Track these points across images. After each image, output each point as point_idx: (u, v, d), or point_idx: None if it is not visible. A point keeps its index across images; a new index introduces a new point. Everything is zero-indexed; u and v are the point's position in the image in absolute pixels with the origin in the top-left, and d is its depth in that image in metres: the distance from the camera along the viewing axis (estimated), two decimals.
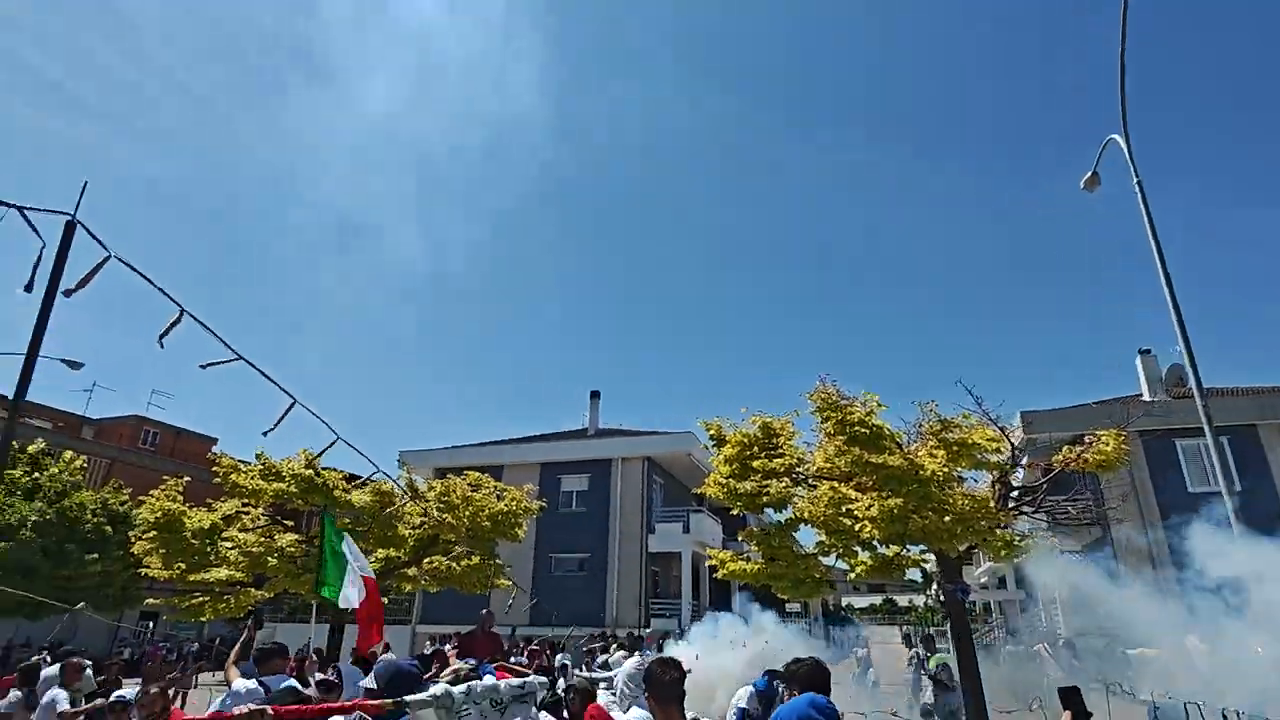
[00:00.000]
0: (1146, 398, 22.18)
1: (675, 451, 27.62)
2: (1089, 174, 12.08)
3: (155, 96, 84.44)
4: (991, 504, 9.29)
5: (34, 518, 14.35)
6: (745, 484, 10.83)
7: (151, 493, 12.44)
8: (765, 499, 10.56)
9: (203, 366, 5.14)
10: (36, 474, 15.61)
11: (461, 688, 2.99)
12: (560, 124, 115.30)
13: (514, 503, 14.50)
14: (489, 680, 3.33)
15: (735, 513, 11.90)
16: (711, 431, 11.98)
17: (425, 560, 14.31)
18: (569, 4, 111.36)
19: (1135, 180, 10.75)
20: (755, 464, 10.79)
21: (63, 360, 22.13)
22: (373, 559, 13.29)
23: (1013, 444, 9.05)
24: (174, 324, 4.29)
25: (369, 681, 3.37)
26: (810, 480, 10.86)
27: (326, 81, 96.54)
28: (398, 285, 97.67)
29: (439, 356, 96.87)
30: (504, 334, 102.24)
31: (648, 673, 2.88)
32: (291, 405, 5.79)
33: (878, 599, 65.04)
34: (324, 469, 13.47)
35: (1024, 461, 21.78)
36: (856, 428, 9.41)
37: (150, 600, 14.22)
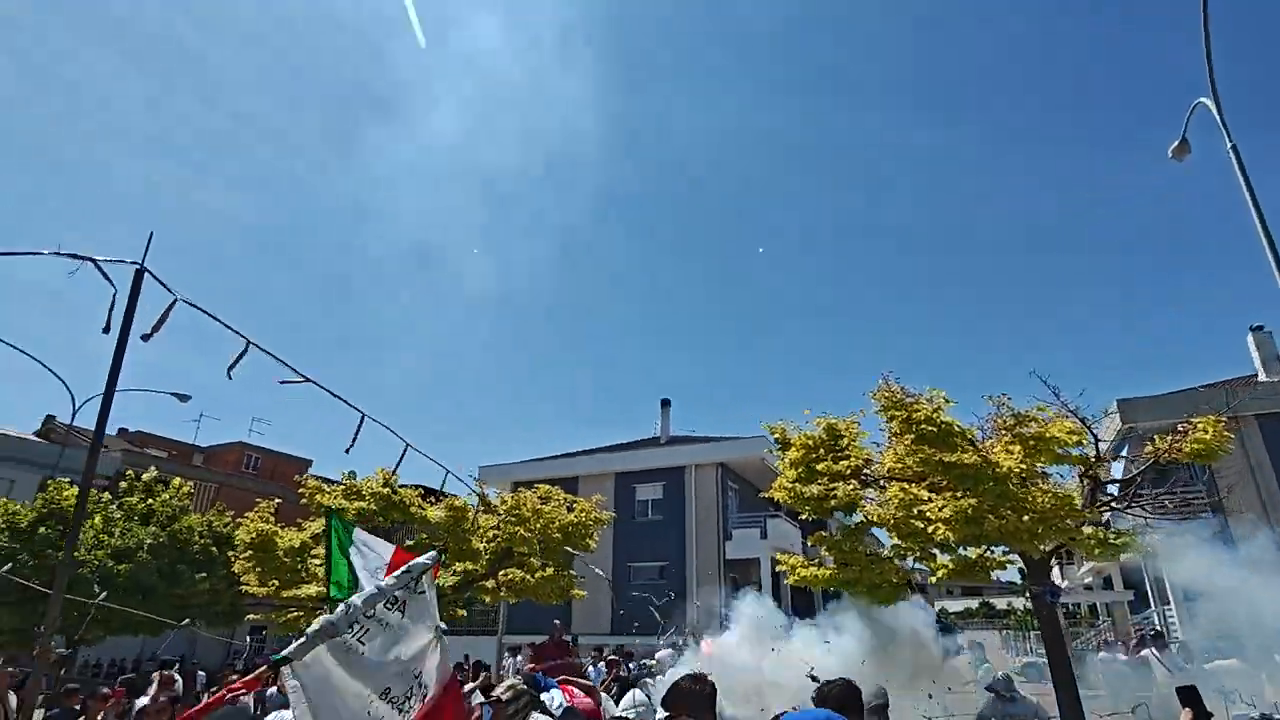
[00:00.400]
0: (1263, 378, 20.30)
1: (748, 456, 27.27)
2: (1177, 142, 11.28)
3: (249, 143, 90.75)
4: (1078, 500, 8.72)
5: (149, 541, 15.59)
6: (811, 487, 10.57)
7: (247, 515, 13.29)
8: (833, 502, 10.26)
9: (281, 382, 5.48)
10: (150, 500, 16.97)
11: (340, 608, 2.69)
12: (618, 137, 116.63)
13: (584, 514, 14.66)
14: (368, 589, 2.89)
15: (804, 517, 11.63)
16: (776, 435, 11.78)
17: (501, 573, 14.64)
18: (619, 19, 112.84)
19: (1229, 145, 9.94)
20: (820, 467, 10.51)
21: (173, 394, 23.99)
22: (451, 572, 13.73)
23: (1095, 436, 8.45)
24: (241, 355, 4.57)
25: None
26: (880, 482, 10.50)
27: (396, 116, 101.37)
28: (470, 305, 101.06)
29: (514, 372, 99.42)
30: (575, 347, 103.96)
31: (677, 688, 2.85)
32: (362, 419, 6.06)
33: (973, 602, 61.97)
34: (401, 486, 14.05)
35: (1124, 452, 20.33)
36: (924, 426, 9.03)
37: (251, 616, 15.17)
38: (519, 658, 15.42)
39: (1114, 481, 10.32)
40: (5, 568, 9.51)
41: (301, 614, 13.83)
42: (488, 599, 16.32)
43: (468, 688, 6.01)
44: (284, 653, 2.52)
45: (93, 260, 4.10)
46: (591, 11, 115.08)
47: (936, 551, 10.22)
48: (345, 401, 6.06)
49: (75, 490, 16.26)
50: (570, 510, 14.73)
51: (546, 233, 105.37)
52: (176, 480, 18.13)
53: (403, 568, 3.01)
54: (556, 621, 12.13)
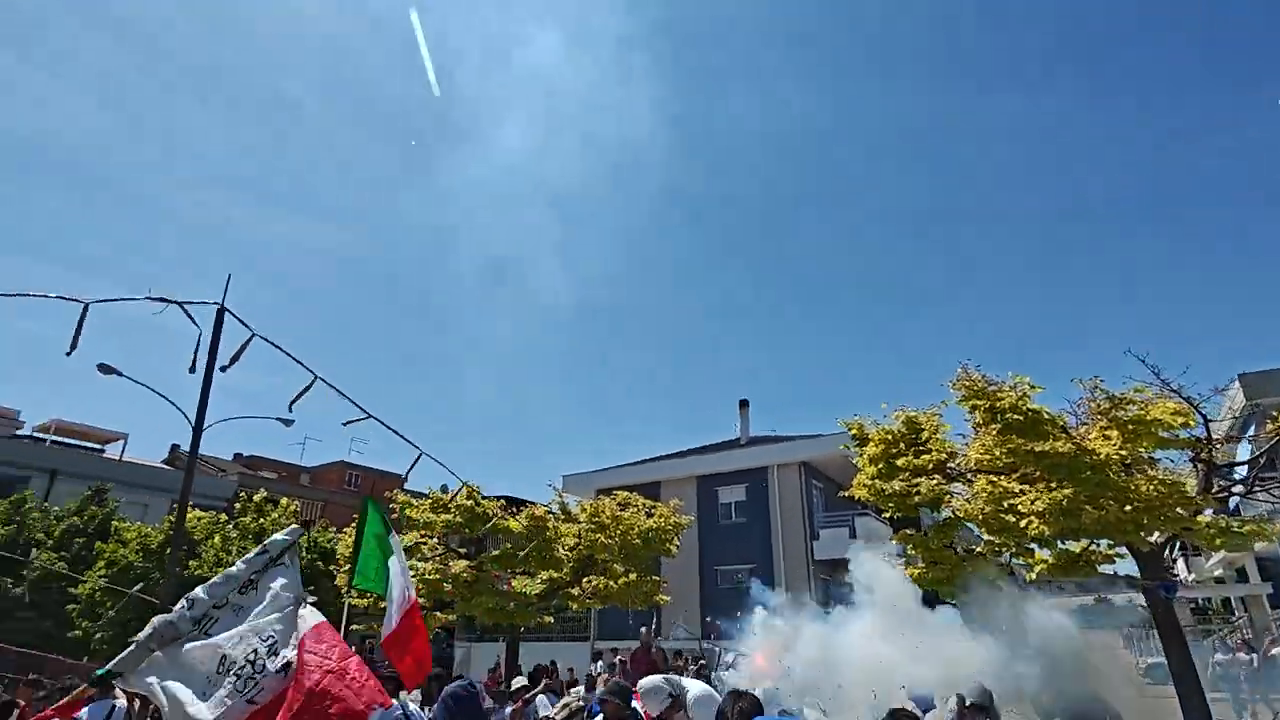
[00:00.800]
0: None
1: (831, 454, 26.53)
2: None
3: (329, 175, 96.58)
4: (1190, 487, 8.02)
5: None
6: (893, 483, 10.21)
7: (345, 530, 14.06)
8: (916, 498, 9.87)
9: (345, 424, 5.79)
10: (262, 519, 18.24)
11: (180, 605, 2.62)
12: (679, 139, 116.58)
13: (663, 519, 14.70)
14: (222, 579, 2.83)
15: (887, 515, 11.23)
16: (853, 431, 11.45)
17: (585, 579, 14.87)
18: (674, 26, 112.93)
19: None
20: (901, 462, 10.13)
21: (278, 419, 25.70)
22: (536, 580, 14.06)
23: (1205, 416, 7.75)
24: (306, 389, 4.87)
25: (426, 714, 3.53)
26: (966, 475, 10.01)
27: (466, 138, 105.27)
28: (547, 316, 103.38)
29: (593, 379, 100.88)
30: (649, 351, 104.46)
31: (721, 711, 2.80)
32: (419, 457, 6.34)
33: (1088, 598, 57.78)
34: (484, 498, 14.52)
35: (1251, 432, 18.53)
36: (1009, 415, 8.54)
37: (355, 626, 15.99)
38: (599, 664, 15.55)
39: (1235, 464, 9.45)
40: (138, 586, 10.46)
41: None
42: (574, 605, 16.59)
43: (531, 693, 6.13)
44: (110, 667, 2.45)
45: (178, 303, 4.48)
46: (647, 21, 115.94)
47: (1034, 546, 9.66)
48: (401, 436, 6.31)
49: (198, 512, 17.68)
50: (649, 515, 14.80)
51: (614, 239, 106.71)
52: (284, 500, 19.41)
53: (258, 547, 3.02)
54: (644, 628, 12.15)
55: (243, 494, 20.34)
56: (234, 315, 4.71)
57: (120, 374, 18.93)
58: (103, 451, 29.88)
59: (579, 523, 14.28)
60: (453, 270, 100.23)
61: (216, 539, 16.88)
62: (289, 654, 2.64)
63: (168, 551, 16.18)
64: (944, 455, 9.97)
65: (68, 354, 3.69)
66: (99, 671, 2.43)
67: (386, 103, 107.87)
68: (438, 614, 14.65)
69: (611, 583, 14.50)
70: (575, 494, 23.50)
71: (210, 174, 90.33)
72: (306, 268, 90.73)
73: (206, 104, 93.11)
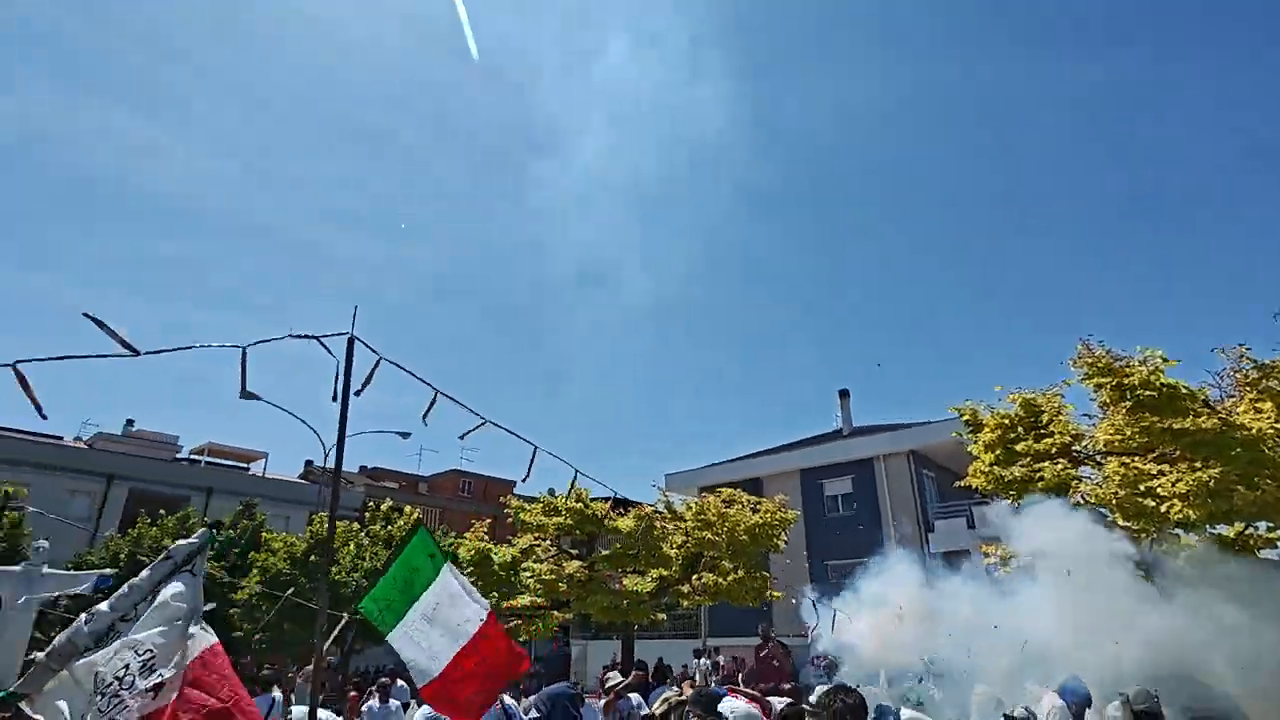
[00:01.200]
0: None
1: (943, 442, 25.42)
2: None
3: (425, 197, 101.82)
4: None
5: (382, 563, 17.95)
6: (1013, 470, 9.74)
7: (465, 535, 14.88)
8: (1040, 484, 9.36)
9: (461, 437, 6.19)
10: (389, 527, 19.56)
11: (82, 616, 2.39)
12: (754, 132, 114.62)
13: (769, 514, 14.62)
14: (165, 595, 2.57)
15: (1011, 504, 10.70)
16: (965, 416, 11.01)
17: (694, 577, 15.01)
18: (742, 20, 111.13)
19: None
20: (1020, 447, 9.65)
21: (397, 433, 27.44)
22: (647, 579, 14.33)
23: None
24: (431, 404, 5.26)
25: (533, 714, 3.66)
26: (1095, 458, 9.39)
27: (549, 150, 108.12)
28: (638, 317, 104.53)
29: (691, 377, 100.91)
30: (742, 346, 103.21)
31: (820, 704, 2.78)
32: (535, 452, 6.65)
33: None
34: (593, 500, 14.96)
35: None
36: (1141, 391, 7.97)
37: None
38: (704, 660, 15.57)
39: None
40: (289, 591, 11.52)
41: (520, 622, 15.20)
42: (684, 603, 16.77)
43: (612, 683, 6.17)
44: (14, 688, 2.29)
45: (315, 337, 4.97)
46: (715, 18, 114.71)
47: (1179, 532, 8.94)
48: (519, 436, 6.63)
49: (337, 523, 19.17)
50: (755, 511, 14.75)
51: (694, 237, 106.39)
52: (408, 508, 20.74)
53: (163, 553, 2.76)
54: (762, 626, 12.13)
55: (371, 503, 21.87)
56: (363, 343, 5.11)
57: (260, 399, 20.83)
58: (248, 469, 32.93)
59: (685, 521, 14.44)
60: (542, 279, 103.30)
61: (351, 546, 18.24)
62: (166, 673, 2.37)
63: (311, 558, 17.69)
64: (1068, 438, 9.41)
65: (241, 396, 4.15)
66: (3, 693, 2.28)
67: (471, 125, 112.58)
68: (555, 613, 15.22)
69: (720, 579, 14.56)
70: (678, 493, 23.70)
71: (319, 208, 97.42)
72: (404, 287, 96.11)
73: (314, 149, 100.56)
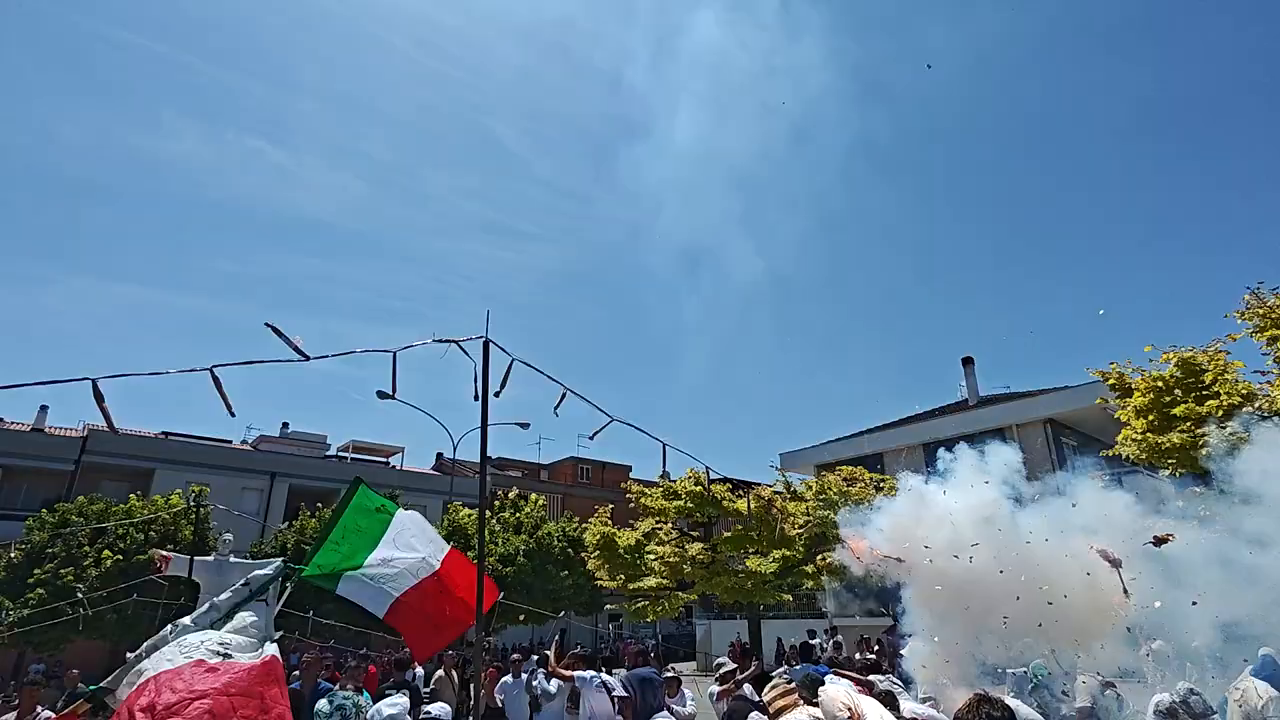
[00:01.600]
0: None
1: (1085, 408, 23.56)
2: None
3: (533, 197, 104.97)
4: None
5: (522, 547, 18.97)
6: (1171, 436, 8.94)
7: (590, 520, 15.46)
8: (1204, 451, 8.53)
9: (590, 437, 6.54)
10: (517, 513, 20.65)
11: (168, 627, 2.63)
12: (860, 87, 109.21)
13: (893, 491, 14.17)
14: (205, 607, 2.89)
15: (1167, 472, 9.83)
16: (1110, 381, 10.22)
17: (818, 557, 14.85)
18: None
19: None
20: (1178, 410, 8.83)
21: (516, 424, 28.79)
22: (769, 559, 14.32)
23: None
24: (561, 400, 5.55)
25: (620, 691, 3.76)
26: (1272, 420, 8.43)
27: (644, 134, 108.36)
28: (745, 296, 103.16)
29: (803, 355, 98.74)
30: (855, 317, 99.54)
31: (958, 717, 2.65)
32: (664, 448, 6.82)
33: None
34: (712, 482, 15.08)
35: None
36: None
37: (609, 606, 17.49)
38: (819, 641, 15.32)
39: None
40: None
41: (646, 603, 15.65)
42: (809, 583, 16.63)
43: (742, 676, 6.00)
44: (103, 684, 2.51)
45: (454, 341, 5.37)
46: None
47: None
48: (647, 434, 6.82)
49: (467, 510, 20.45)
50: (878, 489, 14.36)
51: (804, 205, 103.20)
52: (533, 495, 21.81)
53: (242, 580, 3.01)
54: (890, 604, 11.87)
55: (500, 491, 23.14)
56: (497, 345, 5.44)
57: (394, 398, 22.25)
58: (388, 463, 35.60)
59: (806, 500, 14.29)
60: (646, 264, 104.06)
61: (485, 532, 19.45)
62: (237, 660, 2.65)
63: (452, 543, 19.02)
64: (1237, 399, 8.52)
65: (391, 396, 4.60)
66: (90, 688, 2.53)
67: (571, 120, 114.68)
68: (679, 594, 15.53)
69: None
70: (794, 471, 23.37)
71: (441, 215, 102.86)
72: (517, 284, 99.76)
73: (437, 162, 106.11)
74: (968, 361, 29.36)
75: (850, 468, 15.35)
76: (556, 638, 8.63)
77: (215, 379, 4.29)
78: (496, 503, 22.19)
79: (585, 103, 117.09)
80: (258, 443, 32.32)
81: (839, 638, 18.61)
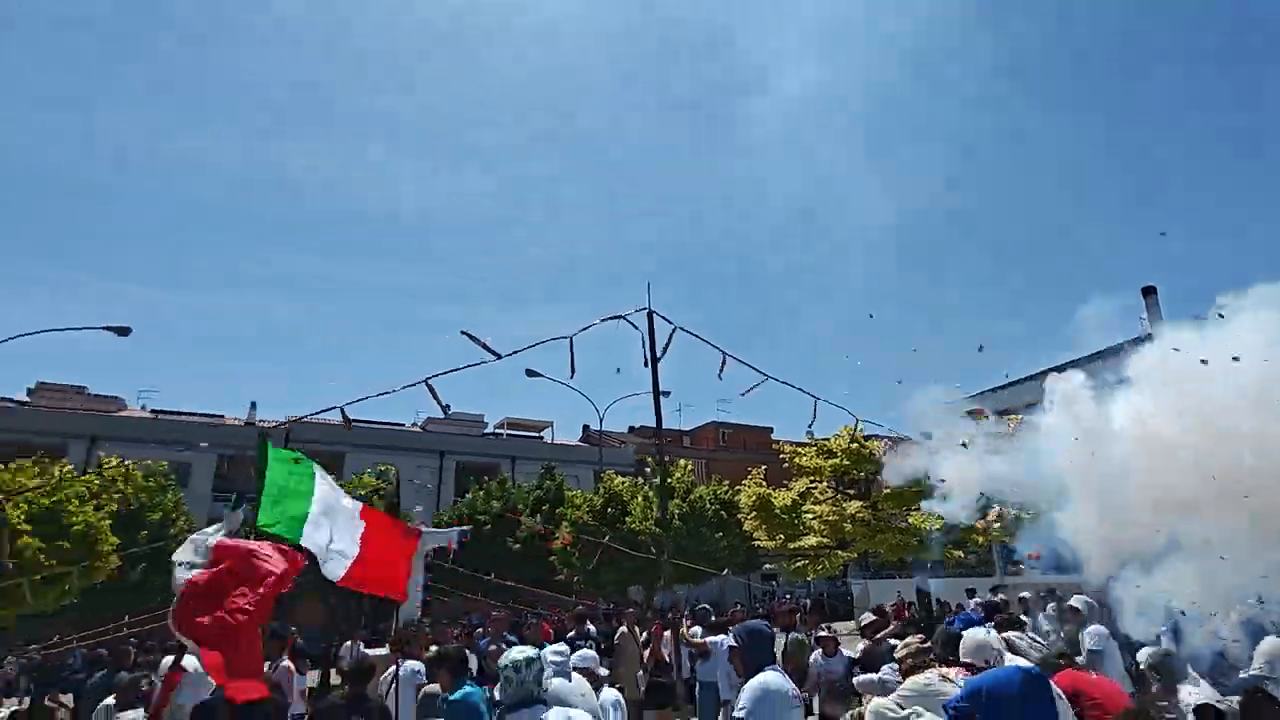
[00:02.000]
0: None
1: None
2: None
3: (650, 173, 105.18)
4: None
5: (676, 511, 19.54)
6: None
7: (743, 482, 15.64)
8: None
9: (742, 394, 6.57)
10: (669, 479, 21.30)
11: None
12: (992, 4, 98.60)
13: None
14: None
15: None
16: None
17: (986, 513, 14.11)
18: None
19: None
20: None
21: (662, 391, 29.48)
22: (932, 516, 13.82)
23: None
24: (723, 364, 5.71)
25: (731, 640, 3.79)
26: None
27: (758, 89, 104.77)
28: (870, 244, 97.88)
29: (955, 294, 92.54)
30: (1004, 254, 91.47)
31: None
32: (815, 404, 6.79)
33: None
34: (866, 438, 14.71)
35: None
36: None
37: (768, 565, 17.67)
38: (974, 601, 14.52)
39: None
40: (606, 538, 13.21)
41: (806, 562, 15.68)
42: (979, 539, 15.88)
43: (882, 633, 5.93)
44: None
45: (622, 317, 5.65)
46: None
47: None
48: (801, 390, 6.83)
49: (621, 478, 21.34)
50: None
51: (935, 139, 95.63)
52: (681, 461, 22.36)
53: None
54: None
55: (649, 458, 23.92)
56: (660, 316, 5.65)
57: (541, 375, 23.60)
58: (540, 437, 37.75)
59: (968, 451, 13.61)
60: (774, 224, 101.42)
61: (639, 498, 20.20)
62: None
63: (609, 510, 19.97)
64: None
65: (570, 376, 4.97)
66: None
67: (682, 91, 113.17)
68: (839, 553, 15.40)
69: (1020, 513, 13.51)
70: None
71: (562, 201, 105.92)
72: (642, 260, 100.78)
73: (554, 158, 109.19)
74: (1149, 291, 26.24)
75: (1016, 416, 14.38)
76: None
77: (431, 389, 4.94)
78: (647, 469, 22.95)
79: (693, 62, 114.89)
80: (425, 424, 35.39)
81: (998, 597, 17.53)
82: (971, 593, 17.56)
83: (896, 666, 4.06)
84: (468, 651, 6.22)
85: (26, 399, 28.60)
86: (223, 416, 31.69)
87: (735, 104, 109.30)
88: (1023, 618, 9.77)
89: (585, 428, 39.30)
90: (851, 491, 15.15)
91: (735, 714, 3.15)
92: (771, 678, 3.18)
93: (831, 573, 15.55)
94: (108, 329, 22.95)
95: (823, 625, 8.02)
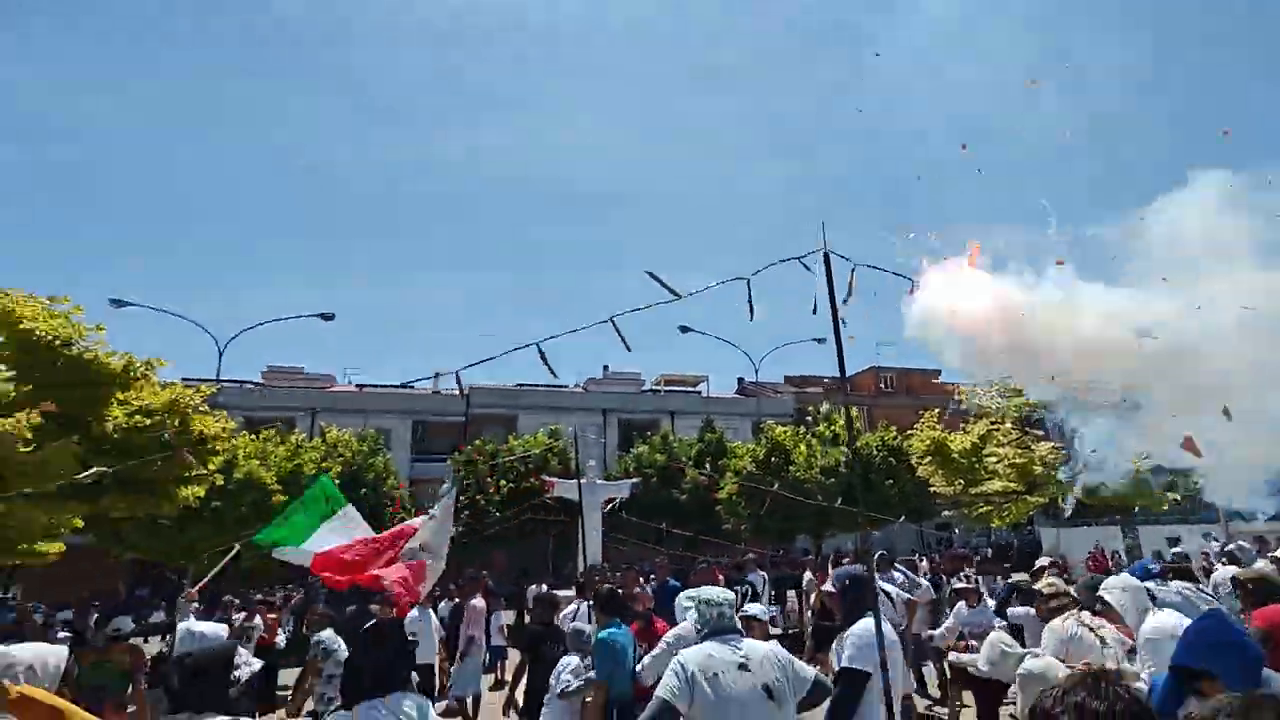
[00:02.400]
0: None
1: None
2: None
3: (788, 109, 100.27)
4: None
5: (841, 459, 19.19)
6: None
7: (915, 427, 14.97)
8: None
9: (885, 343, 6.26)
10: (832, 427, 20.88)
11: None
12: None
13: None
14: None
15: None
16: None
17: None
18: None
19: None
20: None
21: (814, 339, 28.75)
22: (1140, 456, 12.46)
23: None
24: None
25: (829, 585, 3.60)
26: None
27: (889, 7, 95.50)
28: (1059, 151, 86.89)
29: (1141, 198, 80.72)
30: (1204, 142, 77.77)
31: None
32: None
33: None
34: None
35: None
36: None
37: (946, 513, 16.90)
38: (1205, 543, 12.85)
39: None
40: (776, 486, 13.32)
41: (990, 508, 14.76)
42: (1197, 480, 14.12)
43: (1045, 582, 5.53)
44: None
45: (796, 259, 5.58)
46: None
47: None
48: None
49: (781, 430, 21.23)
50: None
51: (1123, 27, 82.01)
52: (825, 406, 21.93)
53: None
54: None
55: (811, 407, 23.55)
56: (838, 255, 5.48)
57: (692, 330, 23.67)
58: (697, 391, 38.32)
59: None
60: (930, 147, 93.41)
61: (801, 447, 20.02)
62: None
63: (773, 460, 20.00)
64: None
65: (750, 320, 5.03)
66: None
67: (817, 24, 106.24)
68: (1028, 497, 14.36)
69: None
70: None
71: (702, 151, 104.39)
72: (769, 208, 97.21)
73: (682, 106, 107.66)
74: None
75: None
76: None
77: (541, 353, 5.27)
78: (809, 418, 22.62)
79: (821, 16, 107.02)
80: (587, 385, 37.11)
81: (1211, 544, 15.46)
82: (1173, 541, 15.77)
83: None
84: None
85: (261, 381, 33.54)
86: (412, 386, 35.25)
87: (869, 21, 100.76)
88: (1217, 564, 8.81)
89: (740, 380, 39.31)
90: (1040, 432, 14.04)
91: (842, 662, 3.16)
92: (872, 623, 3.20)
93: (1019, 518, 14.58)
94: (316, 316, 26.04)
95: (964, 575, 7.78)
